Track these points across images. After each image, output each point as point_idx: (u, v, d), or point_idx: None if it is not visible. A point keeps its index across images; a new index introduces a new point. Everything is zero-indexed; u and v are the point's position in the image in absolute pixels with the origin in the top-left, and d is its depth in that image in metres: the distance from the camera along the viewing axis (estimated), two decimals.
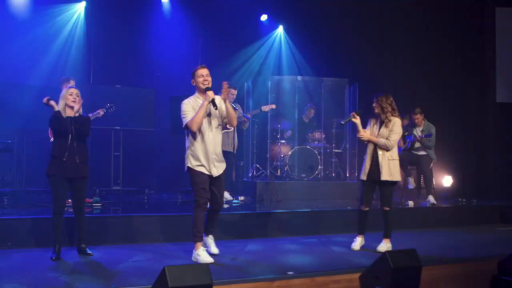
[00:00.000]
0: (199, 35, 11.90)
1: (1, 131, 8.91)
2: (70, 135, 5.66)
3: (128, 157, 10.16)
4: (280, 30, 13.08)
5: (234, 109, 8.99)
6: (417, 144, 9.39)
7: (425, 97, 10.86)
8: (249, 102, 10.96)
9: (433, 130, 9.42)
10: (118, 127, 9.84)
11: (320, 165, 10.44)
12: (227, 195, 9.19)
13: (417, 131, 9.51)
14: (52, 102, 5.80)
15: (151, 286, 4.27)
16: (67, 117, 5.70)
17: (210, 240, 6.00)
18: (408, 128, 9.63)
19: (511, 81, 11.24)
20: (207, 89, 5.61)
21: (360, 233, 6.67)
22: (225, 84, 5.72)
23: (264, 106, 9.80)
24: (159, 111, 10.38)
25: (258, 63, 12.71)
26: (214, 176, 5.72)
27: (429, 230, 8.40)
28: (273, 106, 9.70)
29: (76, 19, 10.90)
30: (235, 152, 9.26)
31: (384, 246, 6.47)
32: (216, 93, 5.68)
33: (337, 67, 11.72)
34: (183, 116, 5.65)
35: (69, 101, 5.71)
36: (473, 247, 6.98)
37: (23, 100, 9.28)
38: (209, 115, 5.68)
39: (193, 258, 5.64)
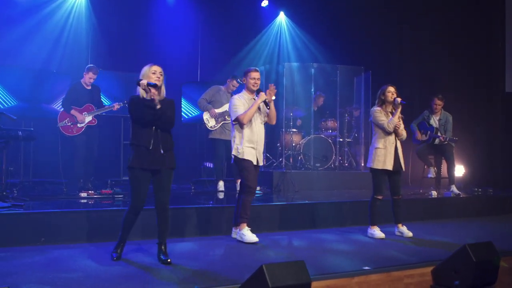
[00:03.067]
0: (199, 22, 11.55)
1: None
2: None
3: None
4: (282, 15, 12.77)
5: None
6: (437, 140, 9.25)
7: (434, 87, 10.75)
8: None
9: (450, 118, 9.39)
10: (129, 115, 9.36)
11: (335, 155, 10.22)
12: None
13: (434, 120, 9.38)
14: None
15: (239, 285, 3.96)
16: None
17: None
18: (425, 116, 9.49)
19: None
20: (258, 90, 6.18)
21: (377, 223, 6.73)
22: (271, 86, 6.20)
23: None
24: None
25: (262, 50, 12.39)
26: (255, 163, 6.16)
27: (457, 220, 8.39)
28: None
29: (78, 4, 10.39)
30: None
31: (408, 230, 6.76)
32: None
33: (344, 53, 11.49)
34: (234, 109, 6.13)
35: (152, 80, 4.94)
36: None
37: (26, 85, 8.84)
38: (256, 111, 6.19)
39: (238, 237, 6.09)
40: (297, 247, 6.05)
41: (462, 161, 11.07)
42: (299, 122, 10.83)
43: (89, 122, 8.34)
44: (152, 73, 4.98)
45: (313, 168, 10.10)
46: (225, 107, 8.62)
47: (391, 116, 6.60)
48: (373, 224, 6.72)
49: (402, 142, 6.73)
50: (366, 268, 4.92)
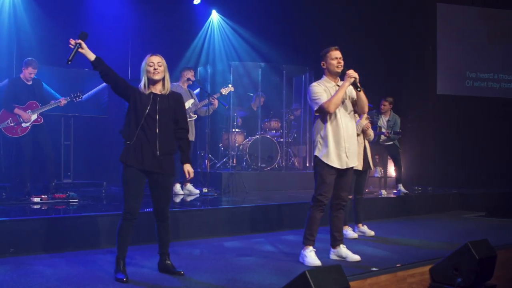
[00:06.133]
0: (130, 18, 11.02)
1: None
2: (156, 115, 4.37)
3: (79, 147, 9.13)
4: (214, 14, 12.54)
5: (191, 97, 8.53)
6: (382, 137, 9.46)
7: (368, 89, 10.98)
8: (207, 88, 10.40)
9: (398, 120, 9.62)
10: (70, 114, 8.82)
11: (280, 155, 10.16)
12: (191, 188, 8.64)
13: (383, 121, 9.59)
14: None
15: None
16: (150, 93, 4.42)
17: (343, 249, 5.31)
18: (373, 116, 9.67)
19: (451, 74, 11.81)
20: (343, 71, 5.08)
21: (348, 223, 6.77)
22: (352, 72, 5.08)
23: (224, 89, 9.19)
24: (112, 96, 9.42)
25: (199, 49, 12.11)
26: (343, 168, 5.10)
27: (410, 218, 8.65)
28: (232, 89, 9.20)
29: None
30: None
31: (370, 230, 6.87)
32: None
33: (286, 52, 11.48)
34: (315, 98, 5.04)
35: (150, 74, 4.38)
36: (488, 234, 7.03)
37: None
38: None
39: (300, 258, 5.14)
40: (284, 250, 5.91)
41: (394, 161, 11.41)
42: (239, 121, 10.70)
43: (35, 120, 7.70)
44: (149, 66, 4.42)
45: (259, 169, 9.98)
46: (188, 103, 8.33)
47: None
48: (345, 224, 6.69)
49: None
50: (374, 269, 4.88)
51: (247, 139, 10.27)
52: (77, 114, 8.99)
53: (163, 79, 4.48)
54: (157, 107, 4.40)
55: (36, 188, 7.84)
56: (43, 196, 7.01)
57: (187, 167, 4.54)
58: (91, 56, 4.41)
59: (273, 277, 4.55)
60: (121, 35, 10.87)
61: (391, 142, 9.49)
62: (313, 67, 10.67)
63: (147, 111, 4.36)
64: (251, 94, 10.98)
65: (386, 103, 9.50)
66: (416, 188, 10.18)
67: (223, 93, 8.91)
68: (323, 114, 5.07)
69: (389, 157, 9.77)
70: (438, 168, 11.60)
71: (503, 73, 12.15)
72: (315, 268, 4.64)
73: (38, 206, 6.73)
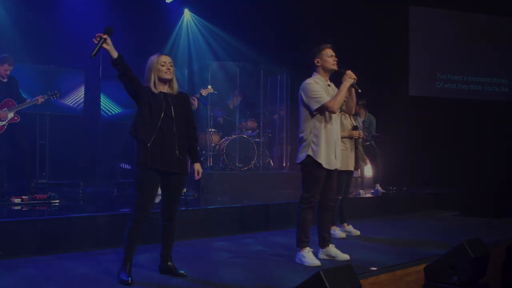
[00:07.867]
0: (104, 19, 10.74)
1: None
2: (172, 115, 4.28)
3: (55, 146, 8.90)
4: (187, 13, 12.40)
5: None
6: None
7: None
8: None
9: (374, 121, 9.71)
10: (46, 112, 8.60)
11: (257, 155, 10.13)
12: None
13: (358, 122, 9.64)
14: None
15: None
16: (160, 92, 4.33)
17: (333, 249, 5.26)
18: None
19: (422, 76, 12.02)
20: (339, 71, 5.04)
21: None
22: (351, 72, 5.11)
23: (203, 90, 9.11)
24: (89, 94, 9.25)
25: (176, 50, 11.93)
26: (332, 168, 5.04)
27: (390, 217, 8.69)
28: (211, 90, 9.15)
29: None
30: None
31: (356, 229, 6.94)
32: None
33: (263, 52, 11.45)
34: (315, 96, 4.88)
35: (162, 73, 4.31)
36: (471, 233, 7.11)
37: None
38: None
39: (297, 259, 5.05)
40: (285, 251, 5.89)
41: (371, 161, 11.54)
42: (220, 120, 10.63)
43: (11, 119, 7.46)
44: (161, 65, 4.32)
45: (236, 169, 9.94)
46: None
47: None
48: (332, 224, 6.76)
49: None
50: (373, 268, 4.92)
51: (223, 139, 10.22)
52: (48, 112, 8.76)
53: (171, 79, 4.41)
54: (172, 107, 4.32)
55: (12, 188, 7.61)
56: (23, 197, 6.80)
57: (198, 166, 4.53)
58: (115, 54, 4.17)
59: (274, 279, 4.53)
60: (94, 34, 10.59)
61: (367, 143, 9.58)
62: (289, 68, 10.69)
63: (163, 111, 4.28)
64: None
65: (356, 106, 9.57)
66: (391, 188, 10.31)
67: (203, 94, 8.85)
68: (322, 113, 4.96)
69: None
70: (410, 168, 11.77)
71: (472, 75, 12.46)
72: (317, 267, 4.72)
73: (20, 207, 6.53)
